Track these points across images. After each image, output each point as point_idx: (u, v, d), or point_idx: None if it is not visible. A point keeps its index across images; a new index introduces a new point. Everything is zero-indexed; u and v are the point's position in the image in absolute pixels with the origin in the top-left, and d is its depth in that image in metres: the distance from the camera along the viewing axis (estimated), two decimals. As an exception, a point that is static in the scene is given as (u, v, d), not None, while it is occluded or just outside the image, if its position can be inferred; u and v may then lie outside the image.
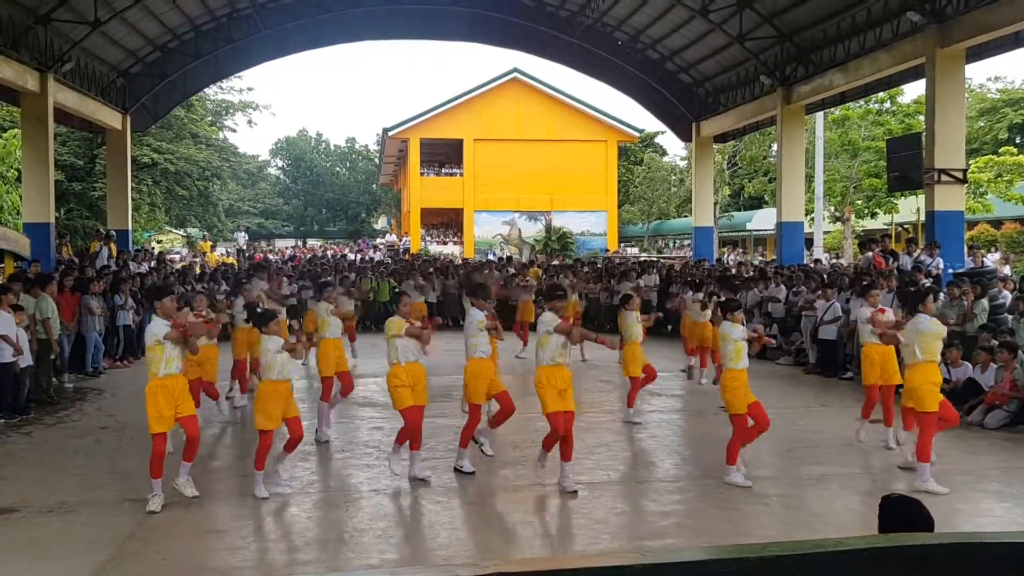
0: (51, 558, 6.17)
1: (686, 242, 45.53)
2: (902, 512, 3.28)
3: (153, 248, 33.46)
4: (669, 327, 20.22)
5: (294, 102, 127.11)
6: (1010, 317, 12.12)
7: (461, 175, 42.28)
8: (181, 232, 48.85)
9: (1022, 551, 1.94)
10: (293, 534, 6.75)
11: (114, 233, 23.77)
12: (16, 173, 27.96)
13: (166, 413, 7.24)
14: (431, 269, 23.14)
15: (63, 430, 10.33)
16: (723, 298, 10.77)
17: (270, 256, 36.59)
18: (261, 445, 7.53)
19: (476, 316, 8.27)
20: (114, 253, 21.59)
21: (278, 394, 7.52)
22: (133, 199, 28.12)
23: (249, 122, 58.11)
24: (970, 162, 32.32)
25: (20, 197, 26.54)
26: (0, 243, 13.33)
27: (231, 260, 30.08)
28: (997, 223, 34.60)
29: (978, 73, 79.01)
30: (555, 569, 1.79)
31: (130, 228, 26.52)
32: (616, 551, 6.03)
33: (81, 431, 9.80)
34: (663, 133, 49.76)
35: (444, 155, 44.49)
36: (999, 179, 32.73)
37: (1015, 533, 5.79)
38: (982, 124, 43.78)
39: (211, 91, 38.42)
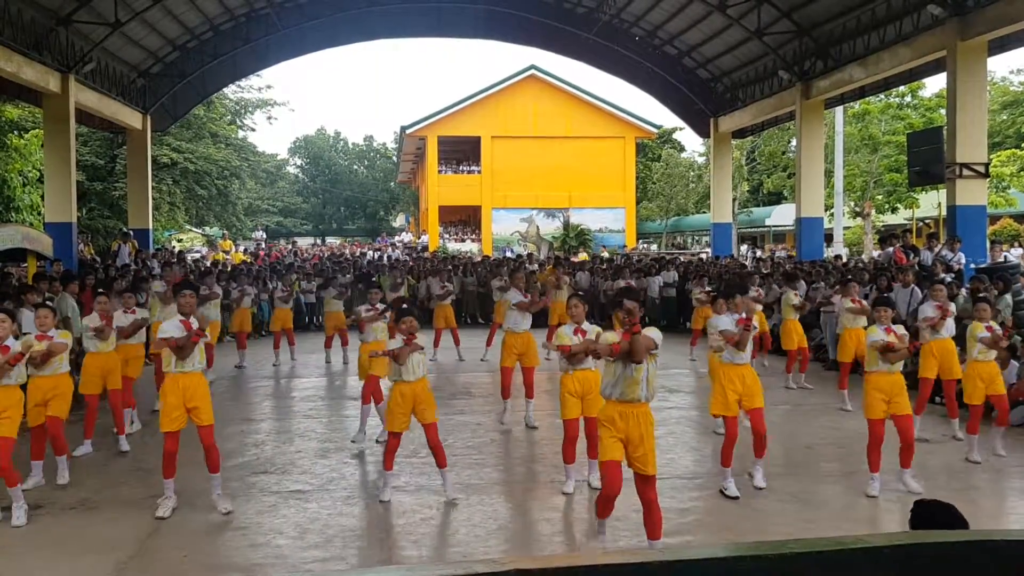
0: (74, 554, 6.22)
1: (705, 239, 45.37)
2: (936, 517, 3.20)
3: (174, 247, 33.69)
4: (687, 323, 20.22)
5: (312, 101, 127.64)
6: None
7: (479, 172, 42.32)
8: (200, 231, 49.13)
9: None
10: (313, 531, 6.78)
11: (131, 232, 23.97)
12: (37, 173, 28.23)
13: (173, 413, 7.00)
14: (450, 267, 23.16)
15: (85, 428, 10.41)
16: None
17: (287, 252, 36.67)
18: (387, 446, 7.51)
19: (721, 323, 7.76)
20: (133, 251, 21.76)
21: (404, 396, 7.33)
22: (153, 198, 28.33)
23: (269, 119, 58.49)
24: (992, 156, 32.06)
25: (41, 197, 26.80)
26: (24, 243, 13.43)
27: (247, 258, 30.25)
28: (1020, 217, 34.26)
29: (1001, 66, 78.44)
30: (574, 566, 1.79)
31: (151, 227, 26.73)
32: (635, 548, 6.02)
33: (103, 428, 9.84)
34: (681, 129, 49.69)
35: (462, 152, 44.55)
36: (1022, 173, 32.41)
37: None
38: (1005, 117, 43.34)
39: (230, 90, 38.59)
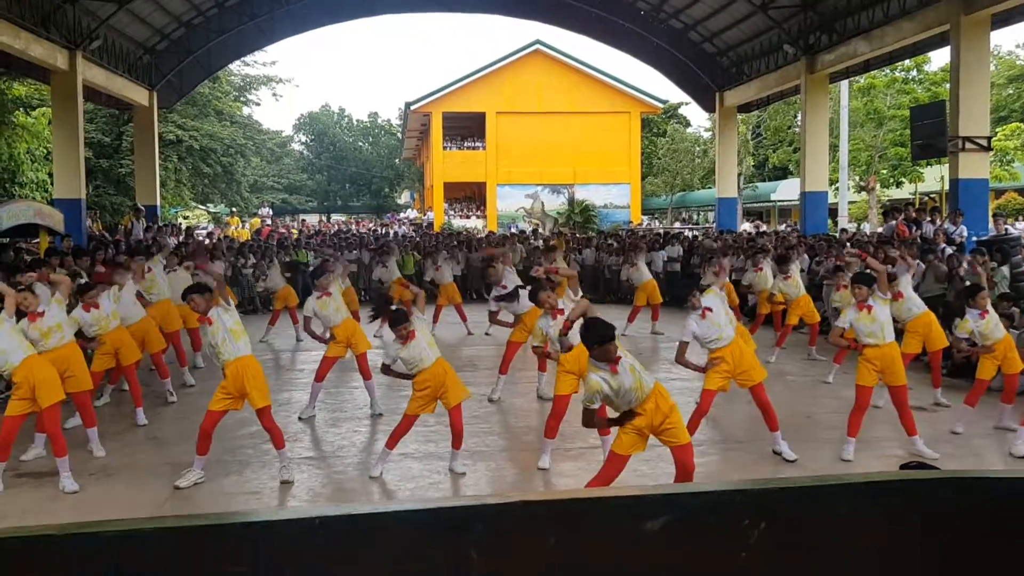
0: (93, 518, 6.42)
1: (711, 214, 45.39)
2: None
3: (180, 224, 33.88)
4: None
5: (317, 77, 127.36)
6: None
7: (484, 149, 42.32)
8: (205, 208, 49.32)
9: (1007, 485, 2.10)
10: (325, 495, 6.99)
11: (143, 208, 24.15)
12: (45, 151, 28.38)
13: (222, 394, 7.10)
14: (455, 242, 23.33)
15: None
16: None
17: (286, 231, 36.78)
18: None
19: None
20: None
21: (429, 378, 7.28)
22: (159, 175, 28.48)
23: (274, 95, 58.51)
24: (997, 130, 32.01)
25: (49, 174, 26.97)
26: (36, 218, 13.64)
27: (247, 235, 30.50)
28: (1025, 191, 34.28)
29: (1007, 40, 77.87)
30: (576, 499, 1.97)
31: (158, 204, 26.90)
32: (632, 485, 6.21)
33: (118, 399, 10.09)
34: (687, 104, 49.48)
35: (466, 129, 44.52)
36: (1027, 147, 32.40)
37: (1003, 471, 5.96)
38: (1011, 91, 43.15)
39: (235, 66, 38.61)
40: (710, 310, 7.72)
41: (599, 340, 5.52)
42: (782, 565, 1.93)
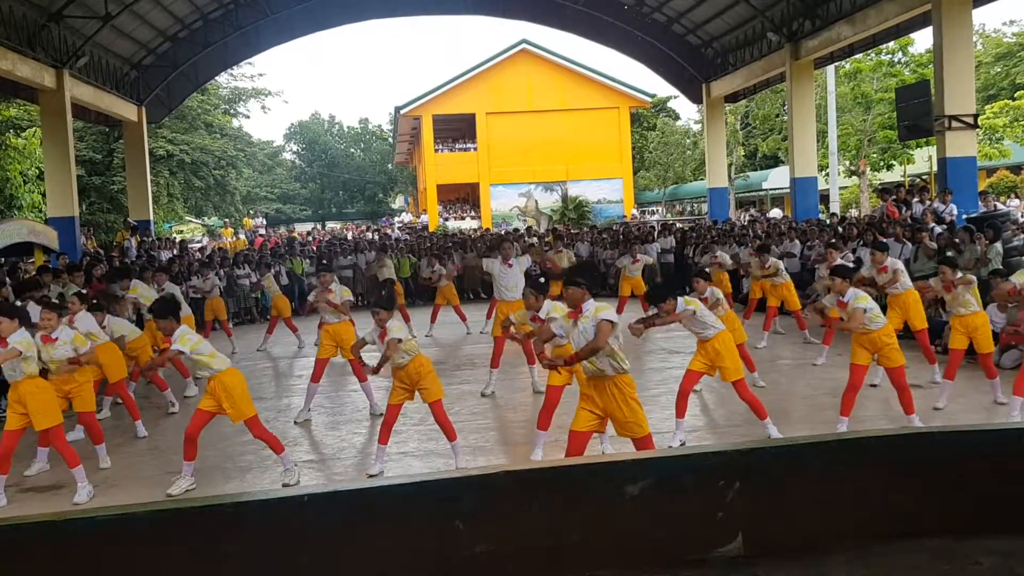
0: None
1: (704, 205, 45.44)
2: None
3: (175, 238, 33.95)
4: (687, 289, 20.41)
5: (305, 86, 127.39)
6: (1024, 259, 12.21)
7: (475, 150, 42.41)
8: (200, 222, 49.36)
9: (960, 438, 2.18)
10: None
11: (136, 225, 24.21)
12: (37, 171, 28.44)
13: (208, 397, 7.13)
14: (449, 244, 23.37)
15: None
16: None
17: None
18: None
19: None
20: (137, 243, 22.00)
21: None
22: (152, 191, 28.53)
23: (263, 108, 58.51)
24: (986, 108, 32.10)
25: (42, 195, 27.04)
26: (30, 237, 13.71)
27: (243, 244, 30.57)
28: (1016, 168, 34.34)
29: (994, 17, 77.99)
30: (553, 467, 2.04)
31: (151, 219, 26.95)
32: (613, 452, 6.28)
33: (118, 412, 10.14)
34: (675, 98, 49.54)
35: (457, 130, 44.62)
36: (1015, 124, 32.47)
37: (958, 425, 6.09)
38: (999, 69, 43.24)
39: (223, 79, 38.70)
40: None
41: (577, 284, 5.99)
42: (757, 522, 2.00)
